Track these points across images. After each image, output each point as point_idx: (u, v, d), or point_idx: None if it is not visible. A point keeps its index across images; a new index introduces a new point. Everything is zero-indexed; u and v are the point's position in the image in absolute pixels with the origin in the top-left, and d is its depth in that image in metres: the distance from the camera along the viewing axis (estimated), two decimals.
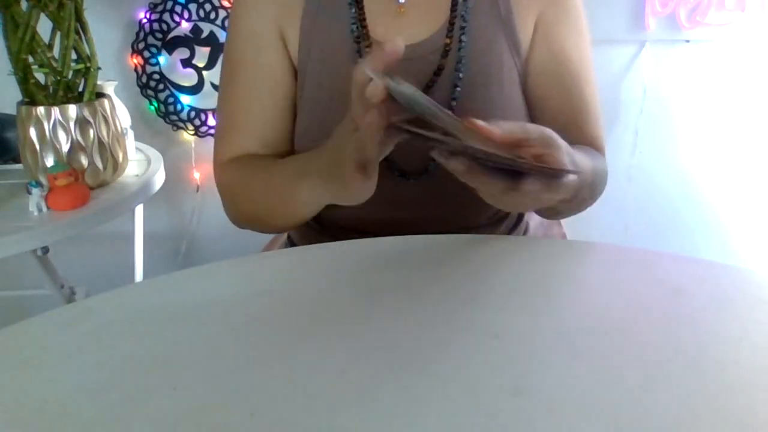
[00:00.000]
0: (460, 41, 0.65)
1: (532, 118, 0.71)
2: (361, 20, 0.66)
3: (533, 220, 0.86)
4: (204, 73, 1.60)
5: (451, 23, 0.66)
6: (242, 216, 0.72)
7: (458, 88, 0.66)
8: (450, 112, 0.45)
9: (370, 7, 0.67)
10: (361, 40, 0.66)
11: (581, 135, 0.70)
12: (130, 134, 1.20)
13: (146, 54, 1.57)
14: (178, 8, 1.54)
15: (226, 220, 0.74)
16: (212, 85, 1.60)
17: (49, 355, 0.44)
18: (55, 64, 0.97)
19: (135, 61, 1.57)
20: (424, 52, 0.66)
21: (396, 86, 0.43)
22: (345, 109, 0.68)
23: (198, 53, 1.59)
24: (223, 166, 0.72)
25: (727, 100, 1.67)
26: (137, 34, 1.55)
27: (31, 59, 0.96)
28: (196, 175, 1.68)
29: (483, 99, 0.67)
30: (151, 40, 1.56)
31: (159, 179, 1.16)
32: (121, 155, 1.08)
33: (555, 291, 0.51)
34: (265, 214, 0.68)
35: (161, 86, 1.60)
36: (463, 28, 0.65)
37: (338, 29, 0.67)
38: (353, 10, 0.66)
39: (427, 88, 0.66)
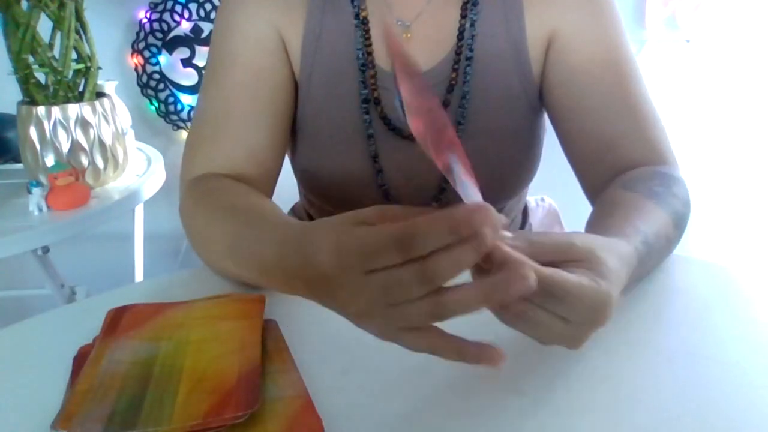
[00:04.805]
0: (465, 73, 0.62)
1: (567, 138, 0.65)
2: (366, 46, 0.62)
3: (535, 219, 0.86)
4: None
5: (458, 53, 0.62)
6: (207, 264, 0.56)
7: (461, 125, 0.63)
8: None
9: (376, 30, 0.62)
10: (366, 68, 0.62)
11: (635, 144, 0.61)
12: (130, 134, 1.20)
13: (146, 54, 1.57)
14: (178, 8, 1.54)
15: None
16: None
17: (49, 355, 0.44)
18: (55, 64, 0.97)
19: (135, 60, 1.57)
20: (429, 83, 0.62)
21: None
22: (347, 143, 0.64)
23: (198, 53, 1.59)
24: (188, 187, 0.59)
25: (726, 100, 1.67)
26: (137, 33, 1.55)
27: (31, 59, 0.96)
28: None
29: (485, 132, 0.64)
30: (151, 39, 1.56)
31: (159, 179, 1.16)
32: (121, 155, 1.08)
33: None
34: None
35: (161, 86, 1.60)
36: (469, 59, 0.62)
37: (342, 52, 0.63)
38: (359, 33, 0.62)
39: None
